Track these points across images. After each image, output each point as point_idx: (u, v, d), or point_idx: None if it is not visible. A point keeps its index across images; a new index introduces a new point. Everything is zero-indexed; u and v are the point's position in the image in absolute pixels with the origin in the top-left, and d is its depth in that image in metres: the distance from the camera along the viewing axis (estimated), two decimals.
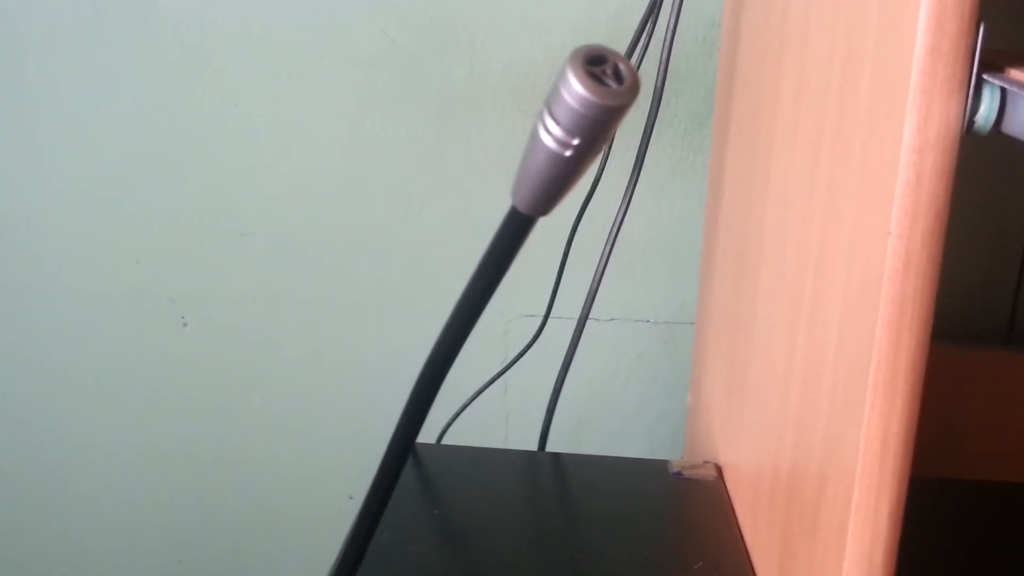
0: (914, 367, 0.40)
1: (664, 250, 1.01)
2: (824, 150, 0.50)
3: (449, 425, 0.89)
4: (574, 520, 0.71)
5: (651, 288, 1.02)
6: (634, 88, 0.27)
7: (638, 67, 0.77)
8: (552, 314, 0.88)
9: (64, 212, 1.03)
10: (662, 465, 0.77)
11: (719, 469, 0.76)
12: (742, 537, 0.67)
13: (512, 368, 0.90)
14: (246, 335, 1.07)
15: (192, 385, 1.09)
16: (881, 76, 0.41)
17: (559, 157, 0.28)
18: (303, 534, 1.14)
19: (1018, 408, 0.91)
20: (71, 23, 0.97)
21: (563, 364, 0.82)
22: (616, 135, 0.89)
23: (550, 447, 0.85)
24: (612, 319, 1.03)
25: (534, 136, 0.28)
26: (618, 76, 0.27)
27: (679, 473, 0.76)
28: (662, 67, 0.74)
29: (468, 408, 0.89)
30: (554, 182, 0.29)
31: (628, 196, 0.77)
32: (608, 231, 0.78)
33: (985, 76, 0.37)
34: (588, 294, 0.79)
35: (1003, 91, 0.37)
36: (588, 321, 0.80)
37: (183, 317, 1.06)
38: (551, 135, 0.28)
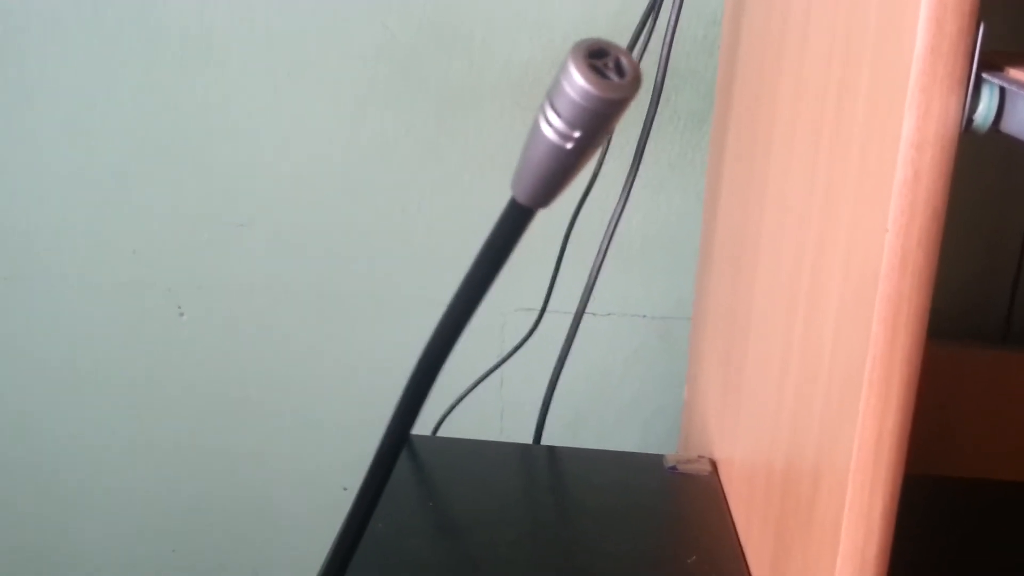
0: (909, 364, 0.40)
1: (662, 245, 1.01)
2: (822, 148, 0.50)
3: (445, 417, 0.90)
4: (568, 513, 0.71)
5: (648, 283, 1.02)
6: (635, 82, 0.27)
7: (639, 63, 0.77)
8: (549, 308, 0.88)
9: (62, 203, 1.03)
10: (657, 459, 0.78)
11: (714, 464, 0.77)
12: (736, 532, 0.68)
13: (508, 361, 0.90)
14: (243, 326, 1.07)
15: (188, 375, 1.09)
16: (880, 74, 0.41)
17: (560, 149, 0.28)
18: (297, 524, 1.14)
19: (1013, 407, 0.91)
20: (71, 16, 0.97)
21: (559, 358, 0.82)
22: (616, 131, 0.89)
23: (545, 440, 0.85)
24: (609, 314, 1.04)
25: (535, 128, 0.29)
26: (619, 70, 0.27)
27: (674, 467, 0.76)
28: (662, 64, 0.74)
29: (464, 400, 0.90)
30: (554, 174, 0.29)
31: (626, 191, 0.77)
32: (606, 226, 0.78)
33: (984, 75, 0.37)
34: (585, 288, 0.79)
35: (1002, 90, 0.37)
36: (585, 315, 0.80)
37: (180, 307, 1.06)
38: (552, 127, 0.28)
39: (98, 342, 1.08)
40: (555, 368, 0.83)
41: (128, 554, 1.17)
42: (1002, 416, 0.92)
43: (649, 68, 0.74)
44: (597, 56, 0.27)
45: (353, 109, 0.98)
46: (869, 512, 0.42)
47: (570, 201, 0.87)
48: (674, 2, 0.73)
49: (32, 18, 0.97)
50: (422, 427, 0.82)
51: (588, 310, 0.82)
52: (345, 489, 1.12)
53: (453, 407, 0.89)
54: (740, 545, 0.66)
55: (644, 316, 1.03)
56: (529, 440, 0.85)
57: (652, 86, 0.75)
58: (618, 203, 0.78)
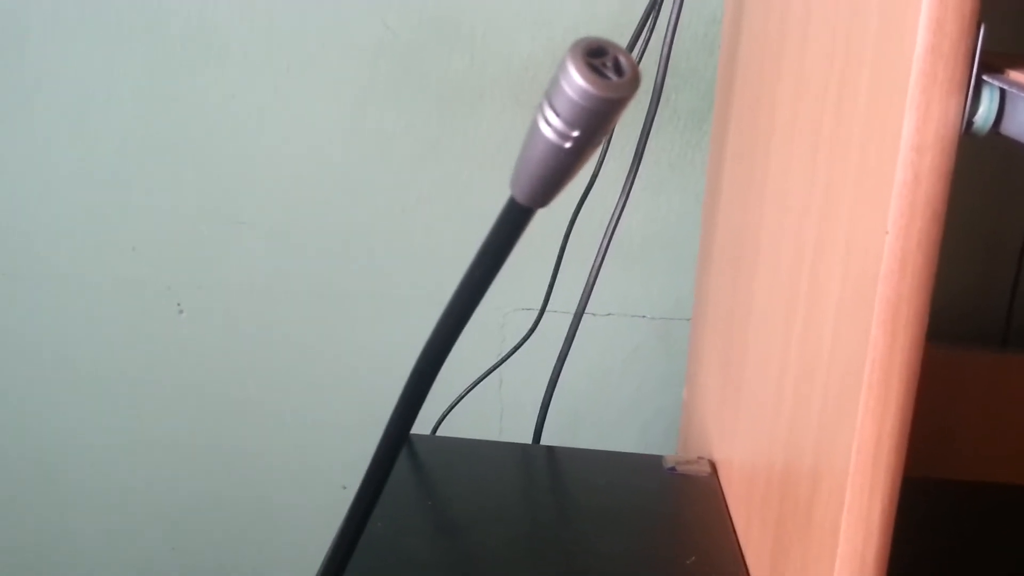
0: (908, 367, 0.40)
1: (661, 246, 1.01)
2: (822, 149, 0.50)
3: (444, 417, 0.89)
4: (567, 514, 0.71)
5: (648, 283, 1.02)
6: (634, 81, 0.27)
7: (638, 62, 0.77)
8: (548, 308, 0.88)
9: (62, 201, 1.03)
10: (656, 460, 0.78)
11: (713, 465, 0.76)
12: (735, 533, 0.68)
13: (508, 361, 0.90)
14: (242, 323, 1.07)
15: (187, 372, 1.09)
16: (881, 76, 0.41)
17: (559, 149, 0.28)
18: (297, 523, 1.14)
19: (1013, 410, 0.91)
20: (72, 15, 0.97)
21: (559, 358, 0.82)
22: (615, 130, 0.89)
23: (545, 440, 0.85)
24: (608, 314, 1.03)
25: (534, 127, 0.28)
26: (618, 69, 0.27)
27: (673, 468, 0.76)
28: (662, 63, 0.74)
29: (463, 400, 0.90)
30: (553, 174, 0.29)
31: (626, 191, 0.77)
32: (606, 226, 0.78)
33: (985, 77, 0.37)
34: (585, 288, 0.79)
35: (1003, 92, 0.37)
36: (584, 315, 0.80)
37: (179, 304, 1.06)
38: (551, 126, 0.28)
39: (97, 340, 1.08)
40: (554, 368, 0.83)
41: (126, 550, 1.17)
42: (1001, 419, 0.92)
43: (649, 67, 0.74)
44: (596, 55, 0.27)
45: (353, 107, 0.98)
46: (868, 514, 0.42)
47: (570, 201, 0.87)
48: (675, 1, 0.73)
49: (32, 17, 0.97)
50: (421, 426, 0.82)
51: (588, 310, 0.81)
52: (344, 488, 1.12)
53: (452, 407, 0.89)
54: (739, 546, 0.66)
55: (643, 316, 1.03)
56: (528, 440, 0.85)
57: (652, 85, 0.75)
58: (618, 203, 0.78)
